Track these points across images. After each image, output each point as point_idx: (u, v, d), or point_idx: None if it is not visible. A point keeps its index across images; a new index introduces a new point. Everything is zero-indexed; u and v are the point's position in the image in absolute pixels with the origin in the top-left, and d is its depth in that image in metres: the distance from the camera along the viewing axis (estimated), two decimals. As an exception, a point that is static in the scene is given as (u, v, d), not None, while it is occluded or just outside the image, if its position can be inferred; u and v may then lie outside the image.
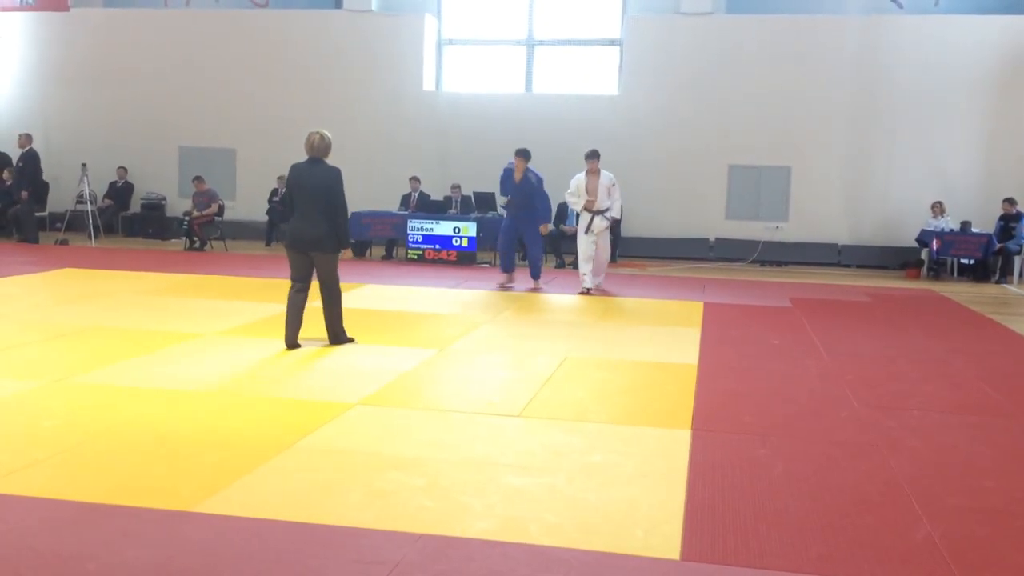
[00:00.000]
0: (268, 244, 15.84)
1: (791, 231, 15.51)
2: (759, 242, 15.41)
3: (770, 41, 15.32)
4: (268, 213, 15.97)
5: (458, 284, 11.41)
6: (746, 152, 15.53)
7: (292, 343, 7.04)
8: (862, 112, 15.22)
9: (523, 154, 10.93)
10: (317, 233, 6.99)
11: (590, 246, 10.85)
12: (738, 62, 15.37)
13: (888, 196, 15.32)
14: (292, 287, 7.15)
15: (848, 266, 15.23)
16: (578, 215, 11.12)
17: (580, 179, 10.81)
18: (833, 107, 15.25)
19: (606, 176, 10.78)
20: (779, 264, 15.27)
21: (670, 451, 4.78)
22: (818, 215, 15.44)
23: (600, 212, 10.78)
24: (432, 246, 13.84)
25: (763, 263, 15.30)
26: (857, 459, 4.79)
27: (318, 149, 7.08)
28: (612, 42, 16.32)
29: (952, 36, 14.95)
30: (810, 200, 15.45)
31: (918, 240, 14.61)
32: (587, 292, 10.75)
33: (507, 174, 11.06)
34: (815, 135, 15.35)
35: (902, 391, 6.46)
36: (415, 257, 13.88)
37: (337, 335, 7.24)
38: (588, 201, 10.72)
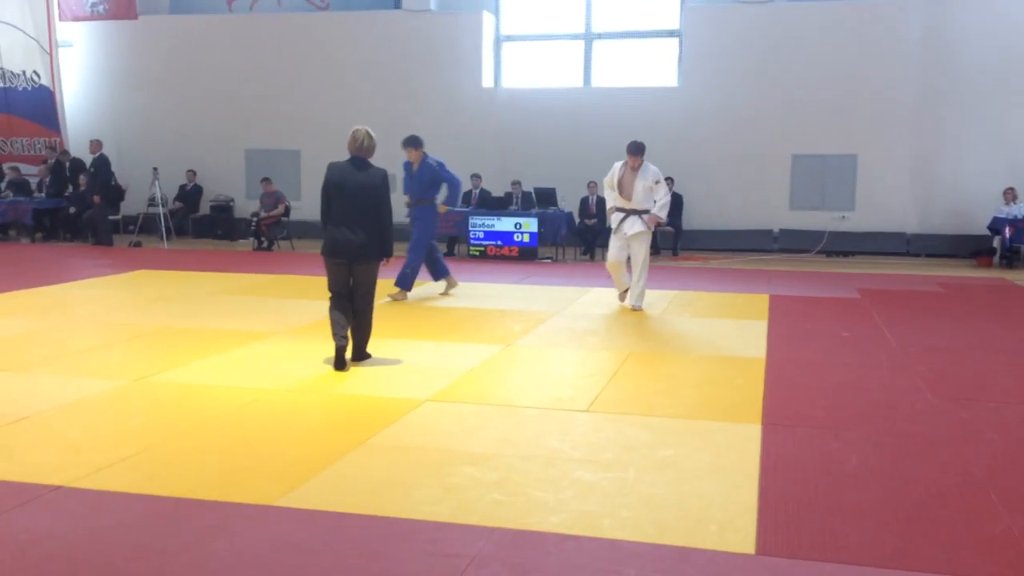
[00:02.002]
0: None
1: (858, 220, 15.24)
2: (824, 232, 15.18)
3: (832, 27, 15.07)
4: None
5: (521, 280, 11.47)
6: (810, 141, 15.30)
7: (343, 363, 6.39)
8: (929, 96, 14.88)
9: (412, 142, 9.60)
10: (362, 241, 6.36)
11: (619, 251, 9.16)
12: (800, 49, 15.15)
13: (958, 182, 14.96)
14: (333, 298, 6.49)
15: (917, 255, 14.92)
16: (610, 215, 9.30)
17: (615, 170, 9.14)
18: (899, 92, 14.94)
19: (650, 172, 9.00)
20: (846, 255, 15.03)
21: (741, 445, 4.78)
22: (885, 204, 15.14)
23: (636, 212, 9.04)
24: (494, 242, 13.93)
25: (829, 254, 15.07)
26: (932, 451, 4.73)
27: (367, 149, 6.48)
28: (671, 33, 16.20)
29: (1021, 15, 14.52)
30: (877, 188, 15.16)
31: (990, 227, 14.25)
32: (631, 305, 9.20)
33: (406, 167, 9.88)
34: (881, 122, 15.05)
35: (977, 383, 6.34)
36: (477, 253, 13.99)
37: (362, 351, 6.60)
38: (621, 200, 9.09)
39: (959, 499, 4.06)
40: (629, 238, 9.05)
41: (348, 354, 6.49)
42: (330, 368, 6.37)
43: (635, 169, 9.00)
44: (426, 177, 9.68)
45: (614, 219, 9.17)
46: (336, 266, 6.45)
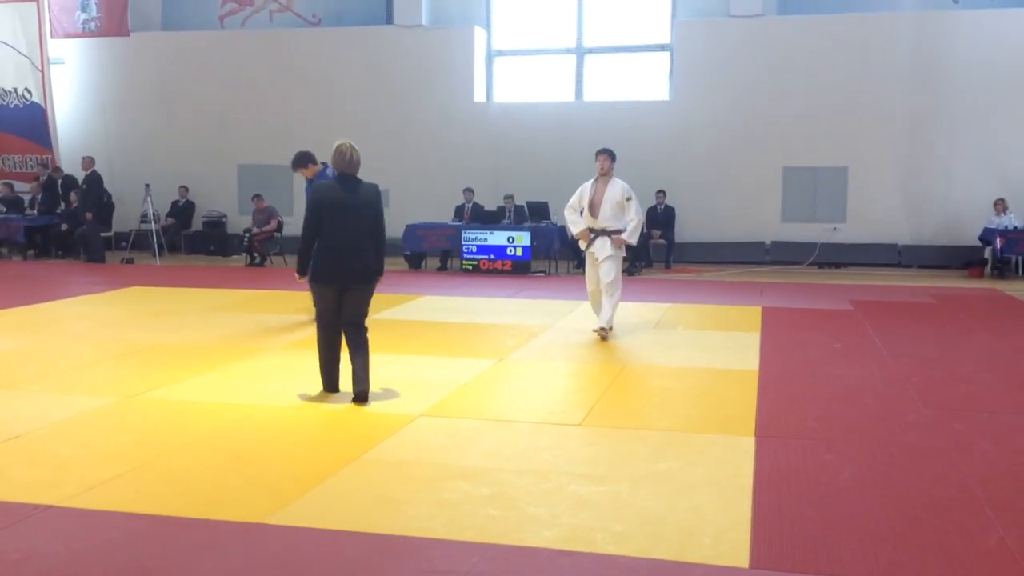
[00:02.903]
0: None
1: (849, 232, 15.29)
2: (816, 244, 15.22)
3: (823, 41, 15.15)
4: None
5: (514, 294, 11.47)
6: (801, 153, 15.36)
7: (336, 387, 6.12)
8: (920, 110, 14.96)
9: (301, 161, 8.72)
10: (362, 263, 5.93)
11: (593, 275, 8.38)
12: (791, 63, 15.22)
13: (949, 194, 15.03)
14: (324, 327, 6.05)
15: (909, 267, 14.96)
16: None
17: (584, 190, 8.33)
18: (890, 105, 15.01)
19: (619, 187, 8.19)
20: (837, 266, 15.06)
21: (734, 458, 4.77)
22: (877, 215, 15.19)
23: (606, 232, 8.25)
24: (487, 256, 13.93)
25: (821, 265, 15.10)
26: (926, 463, 4.74)
27: (356, 164, 6.02)
28: (662, 47, 16.27)
29: (1009, 30, 14.62)
30: (868, 200, 15.22)
31: (981, 238, 14.31)
32: (603, 333, 8.26)
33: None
34: (872, 134, 15.12)
35: (970, 393, 6.35)
36: (470, 267, 13.98)
37: (366, 387, 5.94)
38: (588, 219, 8.25)
39: (953, 511, 4.06)
40: (601, 261, 8.23)
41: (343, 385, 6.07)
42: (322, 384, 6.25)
43: (604, 176, 8.22)
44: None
45: (585, 242, 8.36)
46: (329, 293, 5.96)
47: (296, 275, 6.18)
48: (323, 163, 8.84)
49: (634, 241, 8.37)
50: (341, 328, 6.05)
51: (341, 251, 5.89)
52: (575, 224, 8.41)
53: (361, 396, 5.89)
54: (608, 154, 8.26)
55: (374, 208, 5.99)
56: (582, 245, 8.48)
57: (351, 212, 5.90)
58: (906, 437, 5.23)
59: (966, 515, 4.01)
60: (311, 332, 8.25)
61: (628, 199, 8.20)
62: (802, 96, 15.20)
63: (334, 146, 6.07)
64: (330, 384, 6.12)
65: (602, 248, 8.26)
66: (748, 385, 6.43)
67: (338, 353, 6.10)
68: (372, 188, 6.07)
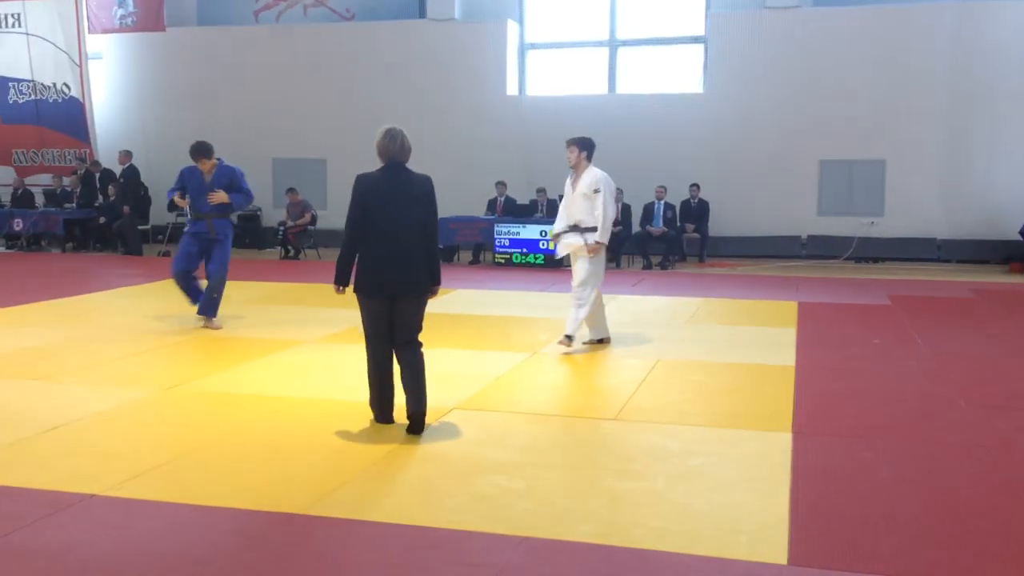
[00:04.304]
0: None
1: (887, 226, 15.08)
2: (853, 238, 15.04)
3: (859, 32, 14.95)
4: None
5: (546, 287, 11.45)
6: (838, 146, 15.18)
7: (391, 418, 5.28)
8: (959, 101, 14.72)
9: (204, 151, 8.42)
10: (412, 269, 5.06)
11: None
12: (827, 55, 15.04)
13: (989, 187, 14.78)
14: (374, 348, 5.17)
15: (948, 261, 14.75)
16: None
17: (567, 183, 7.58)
18: (928, 97, 14.79)
19: (589, 178, 7.30)
20: (875, 260, 14.88)
21: (772, 454, 4.73)
22: (915, 209, 14.98)
23: (578, 229, 7.36)
24: (519, 250, 13.93)
25: (858, 260, 14.93)
26: (967, 461, 4.67)
27: (408, 151, 5.19)
28: (696, 39, 16.14)
29: (1054, 19, 14.37)
30: (907, 194, 15.00)
31: (1022, 233, 14.07)
32: (566, 342, 7.35)
33: (187, 172, 8.58)
34: (910, 126, 14.90)
35: (1012, 390, 6.25)
36: (502, 261, 13.99)
37: (421, 409, 5.12)
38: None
39: (995, 509, 4.00)
40: (571, 255, 7.46)
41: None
42: (359, 376, 5.83)
43: (574, 168, 7.43)
44: (223, 184, 8.37)
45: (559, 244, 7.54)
46: (378, 306, 5.08)
47: (335, 287, 5.25)
48: (218, 158, 8.61)
49: (604, 241, 7.27)
50: (393, 348, 5.19)
51: (386, 256, 5.02)
52: (558, 224, 7.60)
53: (416, 419, 5.09)
54: (576, 143, 7.37)
55: (426, 202, 5.14)
56: (552, 246, 7.52)
57: (402, 208, 5.06)
58: (947, 435, 5.16)
59: (1009, 513, 3.95)
60: (347, 325, 8.29)
61: (596, 191, 7.21)
62: (838, 88, 15.01)
63: (381, 130, 5.23)
64: (383, 415, 5.26)
65: (571, 239, 7.41)
66: (785, 381, 6.37)
67: (392, 379, 5.23)
68: (425, 180, 5.19)
